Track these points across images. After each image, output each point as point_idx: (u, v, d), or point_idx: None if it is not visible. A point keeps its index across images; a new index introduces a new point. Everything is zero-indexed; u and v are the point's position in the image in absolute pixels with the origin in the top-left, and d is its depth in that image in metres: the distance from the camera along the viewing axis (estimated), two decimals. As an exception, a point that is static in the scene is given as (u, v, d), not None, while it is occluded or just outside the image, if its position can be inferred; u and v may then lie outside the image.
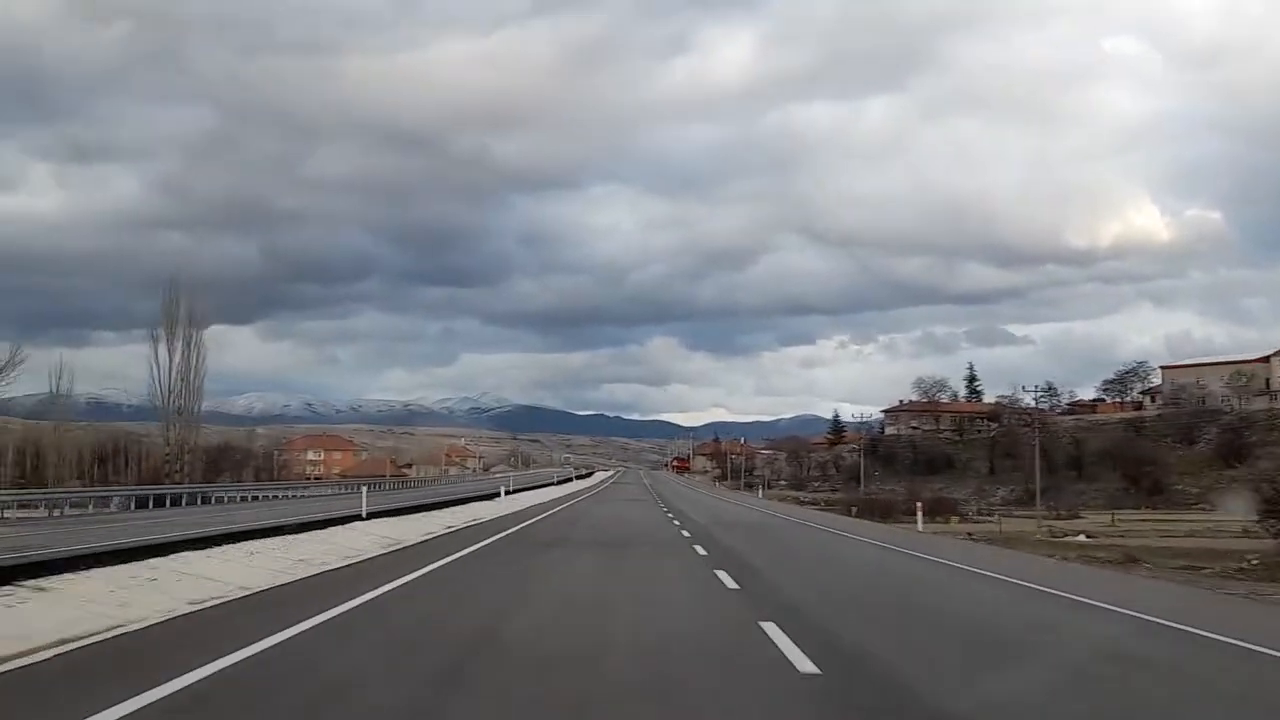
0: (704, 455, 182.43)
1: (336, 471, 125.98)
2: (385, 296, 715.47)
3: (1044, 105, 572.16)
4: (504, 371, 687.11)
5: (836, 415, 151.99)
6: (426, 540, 21.30)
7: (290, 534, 16.51)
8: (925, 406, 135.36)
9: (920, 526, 41.60)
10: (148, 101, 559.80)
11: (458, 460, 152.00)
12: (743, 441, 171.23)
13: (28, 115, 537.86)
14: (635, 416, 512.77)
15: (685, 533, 28.48)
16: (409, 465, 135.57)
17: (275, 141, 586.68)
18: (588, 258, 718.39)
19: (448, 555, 17.34)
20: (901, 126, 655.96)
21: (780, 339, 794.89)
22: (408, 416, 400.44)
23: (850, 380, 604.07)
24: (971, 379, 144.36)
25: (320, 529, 18.63)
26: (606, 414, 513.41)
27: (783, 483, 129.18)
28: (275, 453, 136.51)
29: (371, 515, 22.72)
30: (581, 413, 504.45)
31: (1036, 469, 72.47)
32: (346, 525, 20.27)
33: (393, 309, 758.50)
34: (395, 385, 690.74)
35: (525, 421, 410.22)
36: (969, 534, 41.89)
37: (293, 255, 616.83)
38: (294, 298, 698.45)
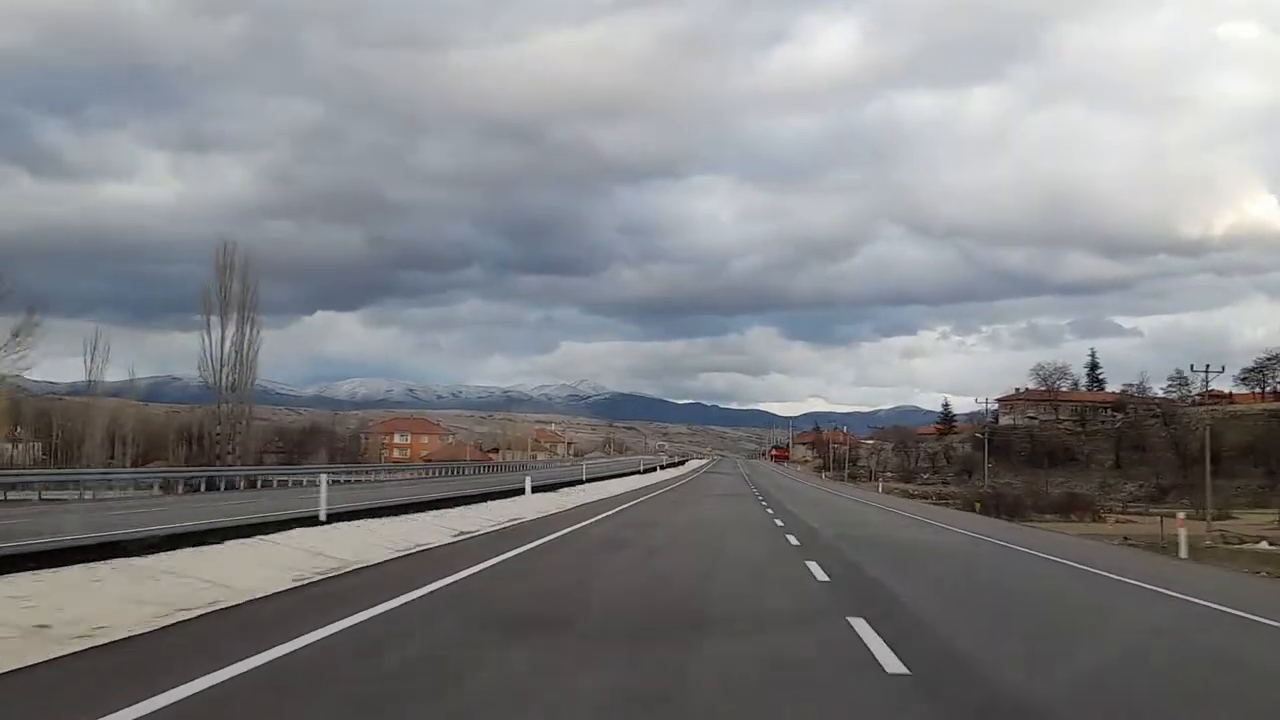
0: (804, 444, 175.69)
1: (424, 455, 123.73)
2: (487, 284, 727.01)
3: (1155, 93, 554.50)
4: (603, 359, 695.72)
5: (946, 404, 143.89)
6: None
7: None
8: (1043, 395, 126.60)
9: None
10: (260, 93, 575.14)
11: (547, 446, 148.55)
12: (845, 430, 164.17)
13: (145, 107, 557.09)
14: (733, 406, 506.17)
15: (817, 572, 13.25)
16: (495, 450, 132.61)
17: (381, 133, 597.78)
18: (687, 247, 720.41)
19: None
20: (1006, 115, 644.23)
21: (880, 329, 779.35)
22: (506, 403, 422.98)
23: (952, 372, 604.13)
24: (1093, 367, 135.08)
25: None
26: (704, 403, 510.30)
27: (889, 474, 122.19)
28: (362, 436, 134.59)
29: (333, 517, 15.90)
30: (679, 401, 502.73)
31: (1205, 463, 64.40)
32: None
33: (494, 297, 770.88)
34: (495, 372, 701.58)
35: (623, 409, 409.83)
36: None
37: (397, 244, 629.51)
38: (398, 285, 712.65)
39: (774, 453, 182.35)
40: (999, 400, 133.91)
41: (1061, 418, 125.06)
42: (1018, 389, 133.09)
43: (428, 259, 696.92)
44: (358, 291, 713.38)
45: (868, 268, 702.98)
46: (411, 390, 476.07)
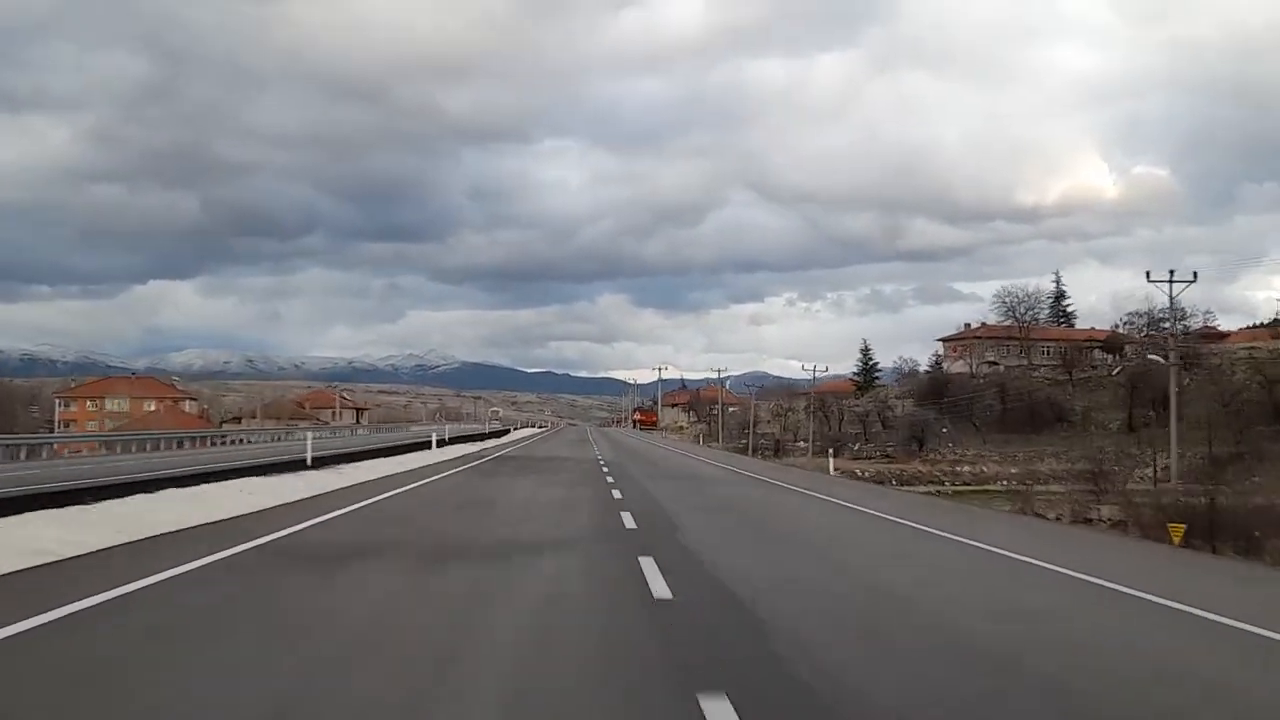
0: (674, 406, 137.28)
1: (112, 426, 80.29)
2: (330, 251, 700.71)
3: (996, 61, 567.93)
4: (451, 328, 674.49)
5: (867, 349, 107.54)
6: None
7: None
8: (1008, 332, 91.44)
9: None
10: (83, 47, 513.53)
11: (312, 414, 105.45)
12: (725, 388, 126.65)
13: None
14: (583, 374, 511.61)
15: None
16: (237, 419, 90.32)
17: (216, 91, 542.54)
18: (537, 212, 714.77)
19: None
20: (852, 82, 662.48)
21: (729, 296, 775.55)
22: (352, 373, 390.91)
23: (799, 337, 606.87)
24: (1058, 297, 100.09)
25: None
26: (555, 371, 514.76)
27: (800, 444, 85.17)
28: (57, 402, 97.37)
29: None
30: (530, 370, 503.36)
31: None
32: None
33: (337, 264, 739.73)
34: (340, 342, 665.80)
35: (472, 379, 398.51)
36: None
37: (236, 209, 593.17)
38: (237, 252, 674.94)
39: (638, 417, 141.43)
40: (943, 340, 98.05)
41: (1037, 363, 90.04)
42: (966, 325, 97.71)
43: (268, 225, 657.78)
44: (194, 259, 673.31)
45: (717, 234, 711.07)
46: (251, 361, 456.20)
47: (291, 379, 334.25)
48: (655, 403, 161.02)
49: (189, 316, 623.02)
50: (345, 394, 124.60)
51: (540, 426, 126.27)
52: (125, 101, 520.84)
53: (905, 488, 56.03)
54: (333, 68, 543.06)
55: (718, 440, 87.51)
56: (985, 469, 66.96)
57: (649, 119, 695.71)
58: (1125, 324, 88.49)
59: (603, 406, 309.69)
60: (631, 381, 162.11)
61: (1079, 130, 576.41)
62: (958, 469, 66.76)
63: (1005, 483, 65.83)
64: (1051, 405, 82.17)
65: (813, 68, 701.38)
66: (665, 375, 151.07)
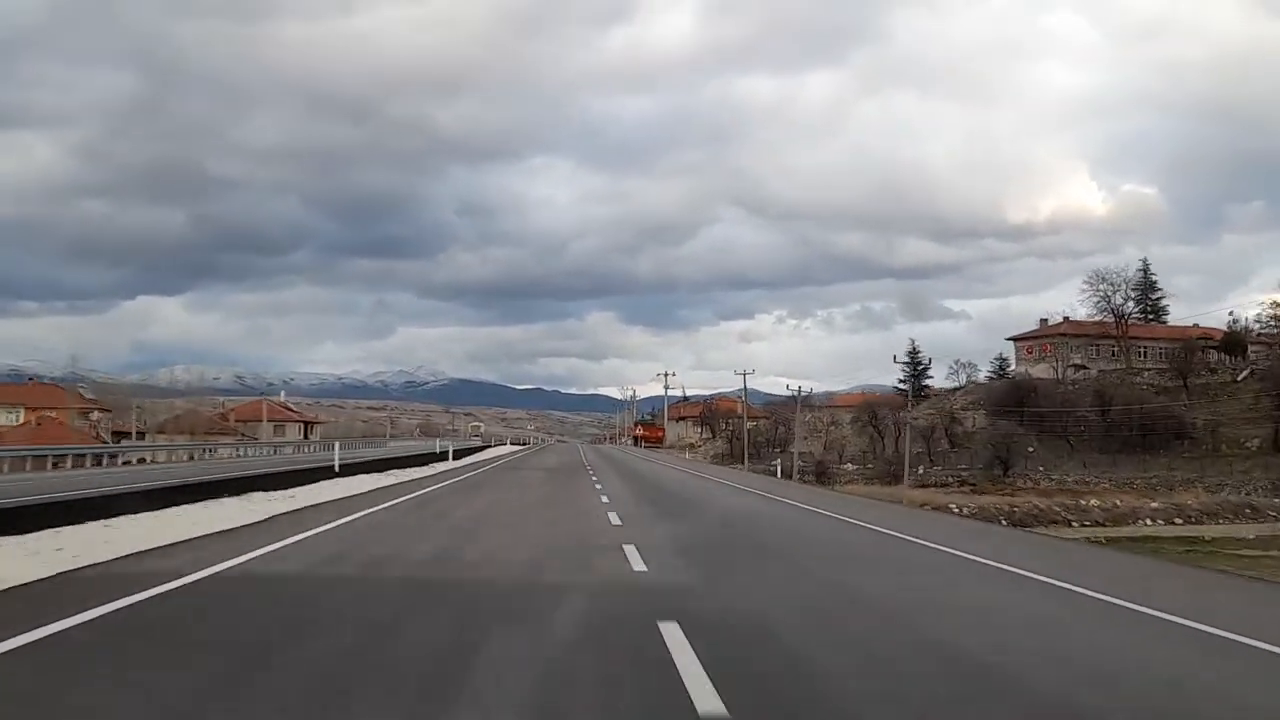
0: (681, 420, 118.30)
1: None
2: (319, 268, 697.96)
3: (984, 80, 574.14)
4: (441, 345, 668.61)
5: (914, 350, 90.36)
6: None
7: None
8: (1100, 330, 74.19)
9: None
10: (72, 63, 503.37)
11: (235, 429, 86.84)
12: (742, 399, 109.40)
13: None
14: (573, 391, 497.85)
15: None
16: (161, 432, 72.91)
17: (205, 108, 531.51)
18: (526, 230, 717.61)
19: None
20: (841, 100, 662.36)
21: (718, 313, 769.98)
22: (341, 390, 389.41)
23: (789, 355, 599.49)
24: (1147, 287, 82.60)
25: None
26: (544, 388, 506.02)
27: (850, 465, 67.86)
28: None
29: None
30: (519, 386, 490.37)
31: None
32: None
33: (326, 281, 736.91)
34: (330, 359, 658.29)
35: (461, 395, 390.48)
36: None
37: (223, 226, 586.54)
38: (225, 268, 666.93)
39: (640, 432, 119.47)
40: (1016, 339, 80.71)
41: (1135, 366, 72.75)
42: (1043, 320, 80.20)
43: (256, 241, 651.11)
44: (181, 275, 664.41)
45: (707, 251, 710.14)
46: (240, 378, 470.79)
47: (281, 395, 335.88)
48: (653, 416, 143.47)
49: (177, 332, 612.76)
50: (290, 406, 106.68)
51: (524, 443, 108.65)
52: (112, 117, 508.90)
53: (1039, 531, 39.27)
54: (320, 84, 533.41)
55: (743, 462, 70.08)
56: (1119, 503, 49.68)
57: (638, 136, 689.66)
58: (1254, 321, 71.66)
59: (593, 423, 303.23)
60: (628, 393, 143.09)
61: (1068, 149, 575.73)
62: (1081, 502, 49.44)
63: (1150, 521, 48.71)
64: (1168, 419, 64.97)
65: (802, 86, 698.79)
66: (655, 394, 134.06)
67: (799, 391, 70.25)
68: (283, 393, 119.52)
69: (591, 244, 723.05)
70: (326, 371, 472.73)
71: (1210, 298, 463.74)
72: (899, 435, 69.97)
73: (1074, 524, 46.63)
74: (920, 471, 65.04)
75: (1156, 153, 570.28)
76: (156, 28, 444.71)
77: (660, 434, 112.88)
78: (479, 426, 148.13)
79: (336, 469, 28.41)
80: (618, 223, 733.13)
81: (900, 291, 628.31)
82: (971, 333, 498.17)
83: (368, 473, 29.59)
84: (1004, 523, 42.46)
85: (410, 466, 37.88)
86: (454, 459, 48.64)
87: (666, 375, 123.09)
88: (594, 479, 32.17)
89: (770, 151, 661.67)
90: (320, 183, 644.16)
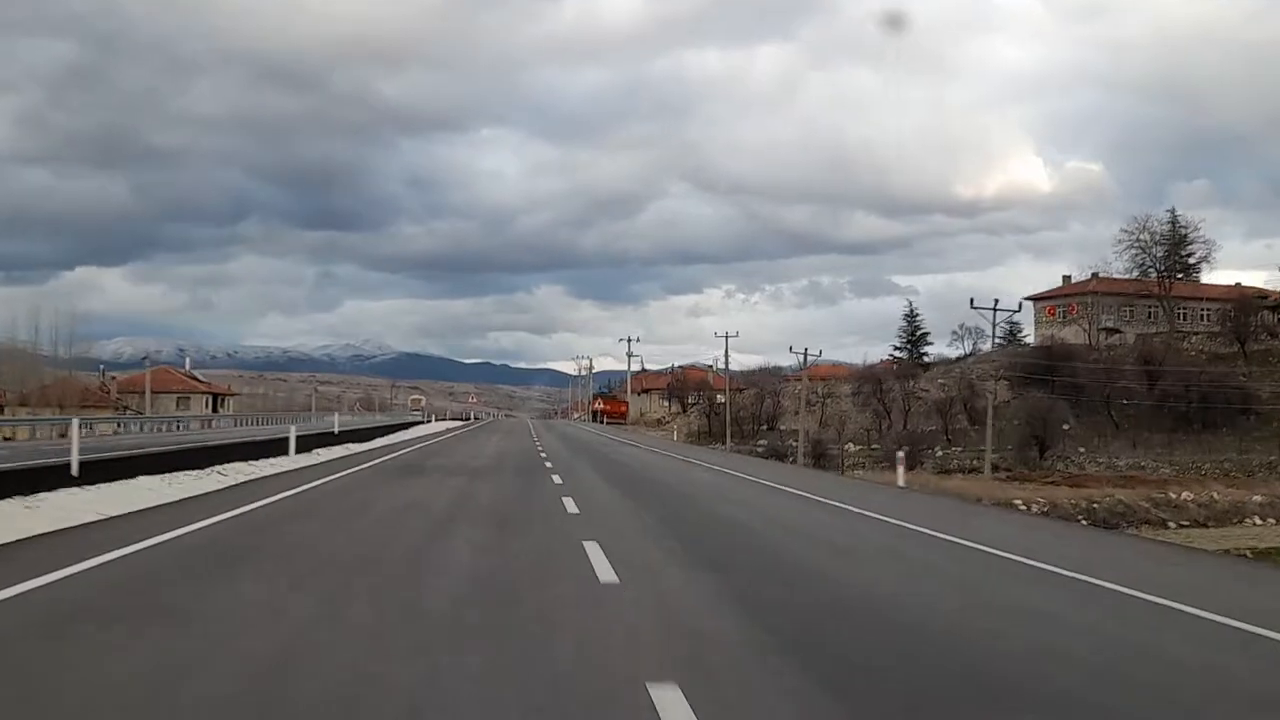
0: (645, 392, 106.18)
1: None
2: (264, 239, 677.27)
3: (934, 56, 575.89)
4: (388, 318, 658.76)
5: (912, 313, 79.80)
6: None
7: None
8: (1138, 287, 63.91)
9: None
10: (6, 30, 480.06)
11: (117, 401, 73.28)
12: (711, 369, 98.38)
13: None
14: (522, 365, 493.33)
15: None
16: (23, 405, 60.06)
17: (146, 75, 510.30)
18: (474, 202, 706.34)
19: None
20: (790, 74, 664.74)
21: (667, 288, 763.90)
22: (287, 362, 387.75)
23: (737, 329, 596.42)
24: (1179, 242, 71.73)
25: None
26: (493, 362, 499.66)
27: (851, 446, 57.03)
28: None
29: None
30: (467, 361, 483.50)
31: None
32: None
33: (271, 253, 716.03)
34: (275, 331, 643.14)
35: (408, 369, 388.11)
36: None
37: (166, 196, 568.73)
38: (167, 239, 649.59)
39: (602, 406, 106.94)
40: (1035, 299, 69.99)
41: (1182, 330, 62.55)
42: (1066, 277, 69.66)
43: (199, 212, 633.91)
44: (123, 245, 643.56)
45: (656, 225, 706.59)
46: (182, 350, 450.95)
47: (225, 368, 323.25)
48: (612, 389, 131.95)
49: (118, 304, 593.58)
50: (195, 375, 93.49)
51: (466, 419, 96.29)
52: (51, 85, 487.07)
53: (1131, 533, 29.02)
54: (265, 53, 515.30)
55: (724, 441, 58.77)
56: (1216, 495, 39.20)
57: (588, 109, 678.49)
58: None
59: (542, 397, 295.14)
60: (583, 363, 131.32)
61: (1015, 125, 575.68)
62: (1171, 495, 38.83)
63: (1260, 520, 38.29)
64: (1227, 394, 54.71)
65: (752, 59, 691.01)
66: (605, 368, 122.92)
67: (804, 354, 58.79)
68: (188, 360, 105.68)
69: (541, 217, 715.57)
70: (271, 344, 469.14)
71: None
72: (908, 410, 59.08)
73: (1170, 524, 36.15)
74: (938, 453, 54.31)
75: (1103, 129, 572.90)
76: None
77: (624, 408, 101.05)
78: (420, 400, 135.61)
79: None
80: (567, 196, 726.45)
81: (848, 266, 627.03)
82: (919, 307, 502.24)
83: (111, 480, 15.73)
84: (1084, 521, 31.94)
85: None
86: (332, 446, 29.92)
87: (630, 341, 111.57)
88: (561, 489, 18.24)
89: (719, 125, 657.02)
90: (265, 153, 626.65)
